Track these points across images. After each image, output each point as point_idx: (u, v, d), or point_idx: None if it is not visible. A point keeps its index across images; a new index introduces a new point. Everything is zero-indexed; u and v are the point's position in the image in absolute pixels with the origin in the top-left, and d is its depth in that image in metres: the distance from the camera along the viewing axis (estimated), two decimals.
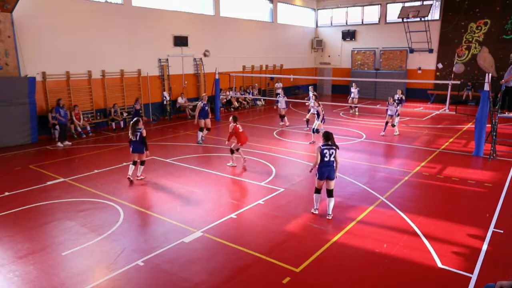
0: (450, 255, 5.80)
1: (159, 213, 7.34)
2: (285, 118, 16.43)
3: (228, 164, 10.41)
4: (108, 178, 9.46)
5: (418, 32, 23.51)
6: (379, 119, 17.19)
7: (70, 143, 13.08)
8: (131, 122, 9.20)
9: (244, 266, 5.57)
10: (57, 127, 13.46)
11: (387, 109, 14.26)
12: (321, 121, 13.24)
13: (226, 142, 10.45)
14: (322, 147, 7.04)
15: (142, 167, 9.35)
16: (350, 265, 5.63)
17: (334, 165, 7.09)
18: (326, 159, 7.00)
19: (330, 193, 7.14)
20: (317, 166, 7.12)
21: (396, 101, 14.88)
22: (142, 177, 9.37)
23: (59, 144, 12.88)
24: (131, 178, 9.15)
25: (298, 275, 5.31)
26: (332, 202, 7.15)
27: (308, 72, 28.00)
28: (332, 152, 7.01)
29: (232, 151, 10.34)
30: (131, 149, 9.14)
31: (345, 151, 12.02)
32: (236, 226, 6.84)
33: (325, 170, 7.04)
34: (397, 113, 14.36)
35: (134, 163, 9.21)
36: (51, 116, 13.56)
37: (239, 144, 10.19)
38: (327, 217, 7.10)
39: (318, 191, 7.29)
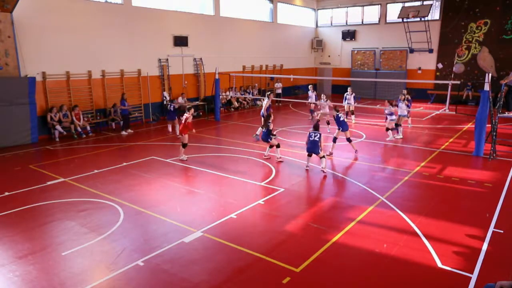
0: (450, 255, 5.80)
1: (159, 213, 7.34)
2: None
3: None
4: (108, 178, 9.47)
5: (418, 32, 23.49)
6: (379, 119, 17.18)
7: (132, 131, 14.78)
8: (265, 116, 11.70)
9: (244, 266, 5.57)
10: (57, 127, 13.66)
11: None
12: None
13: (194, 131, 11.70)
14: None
15: (278, 149, 11.08)
16: (350, 265, 5.63)
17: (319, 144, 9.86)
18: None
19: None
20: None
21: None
22: (280, 160, 10.97)
23: (123, 132, 14.58)
24: (266, 156, 11.24)
25: (298, 275, 5.31)
26: (321, 161, 9.99)
27: (308, 72, 27.99)
28: (318, 135, 9.82)
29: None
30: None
31: (345, 151, 12.04)
32: (236, 226, 6.84)
33: None
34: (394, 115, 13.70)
35: (271, 146, 11.29)
36: (50, 117, 13.61)
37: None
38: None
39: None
